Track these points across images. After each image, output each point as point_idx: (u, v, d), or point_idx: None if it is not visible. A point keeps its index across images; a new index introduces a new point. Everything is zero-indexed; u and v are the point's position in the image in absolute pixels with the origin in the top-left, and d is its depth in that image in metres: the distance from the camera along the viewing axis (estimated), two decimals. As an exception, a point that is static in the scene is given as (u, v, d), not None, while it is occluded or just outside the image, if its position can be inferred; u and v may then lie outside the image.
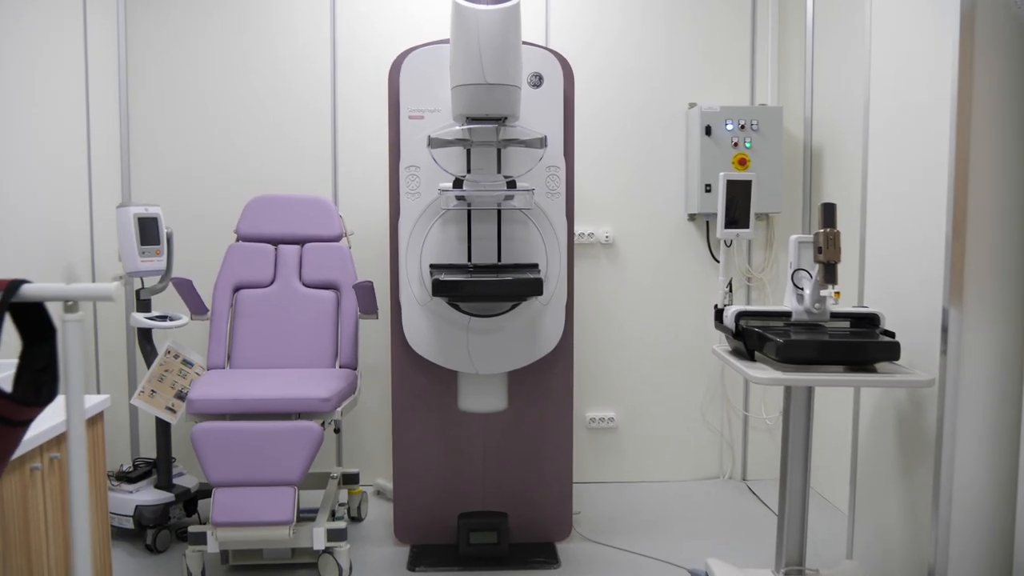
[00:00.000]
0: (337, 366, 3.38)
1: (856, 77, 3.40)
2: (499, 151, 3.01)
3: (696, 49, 4.03)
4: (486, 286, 2.73)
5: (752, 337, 2.47)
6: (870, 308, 2.62)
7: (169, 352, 3.45)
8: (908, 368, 2.43)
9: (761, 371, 2.33)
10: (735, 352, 2.62)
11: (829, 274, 2.39)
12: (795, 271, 2.55)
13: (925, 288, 2.50)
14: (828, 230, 2.39)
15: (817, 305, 2.47)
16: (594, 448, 4.16)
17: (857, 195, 2.95)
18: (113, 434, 3.84)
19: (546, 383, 3.31)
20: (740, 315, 2.55)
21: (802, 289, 2.53)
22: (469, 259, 3.04)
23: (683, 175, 4.06)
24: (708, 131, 3.86)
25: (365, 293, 3.15)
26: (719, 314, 2.69)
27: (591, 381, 4.12)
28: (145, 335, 3.49)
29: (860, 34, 3.20)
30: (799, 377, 2.27)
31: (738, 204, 2.68)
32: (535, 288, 2.68)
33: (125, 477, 3.42)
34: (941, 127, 2.40)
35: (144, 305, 3.48)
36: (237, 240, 3.54)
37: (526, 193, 2.88)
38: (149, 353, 3.48)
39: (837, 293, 2.42)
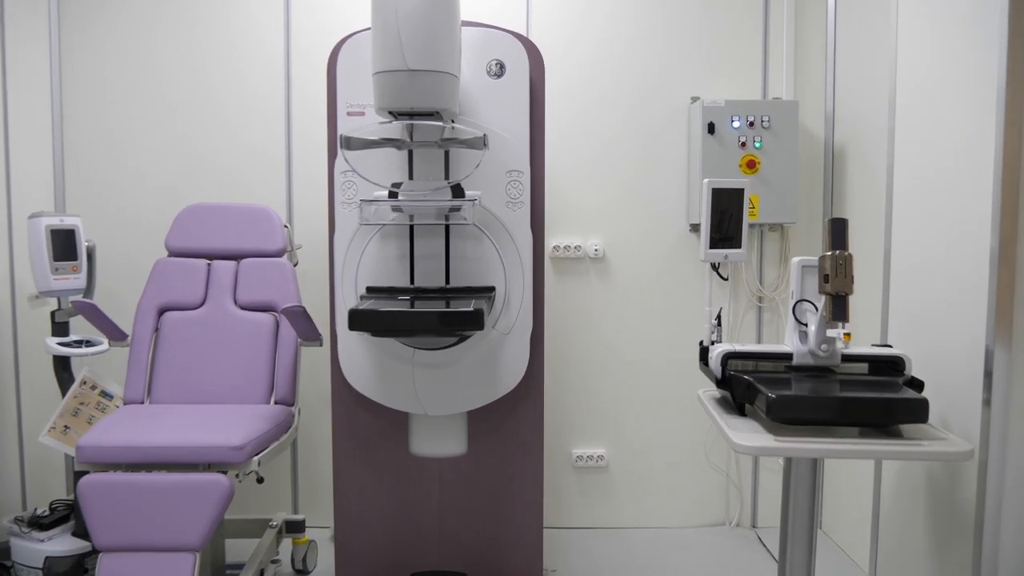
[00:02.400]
0: (272, 401, 2.93)
1: (887, 62, 2.88)
2: (447, 154, 2.53)
3: (700, 35, 3.52)
4: (411, 319, 2.24)
5: (741, 386, 1.96)
6: (894, 348, 2.10)
7: (85, 382, 3.03)
8: (940, 430, 1.91)
9: (747, 434, 1.83)
10: (723, 402, 2.12)
11: (838, 309, 1.88)
12: (797, 303, 2.04)
13: (964, 321, 2.00)
14: (837, 253, 1.88)
15: (824, 347, 1.96)
16: (581, 490, 3.67)
17: (885, 204, 2.44)
18: (46, 473, 3.43)
19: (511, 423, 2.83)
20: (728, 357, 2.05)
21: (806, 325, 2.02)
22: (412, 281, 2.57)
23: (684, 180, 3.55)
24: (711, 129, 3.35)
25: (296, 319, 2.70)
26: (704, 353, 2.19)
27: (578, 414, 3.63)
28: (62, 363, 3.08)
29: (889, 12, 2.67)
30: (794, 445, 1.76)
31: (730, 218, 2.18)
32: (472, 321, 2.18)
33: (37, 523, 3.00)
34: (985, 121, 1.89)
35: (61, 328, 3.06)
36: (169, 256, 3.11)
37: (469, 203, 2.37)
38: (66, 382, 3.07)
39: (847, 335, 1.91)
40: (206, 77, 3.49)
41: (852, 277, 1.88)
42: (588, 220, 3.57)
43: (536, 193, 2.72)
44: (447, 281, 2.56)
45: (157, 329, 3.00)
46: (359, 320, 2.18)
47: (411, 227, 2.53)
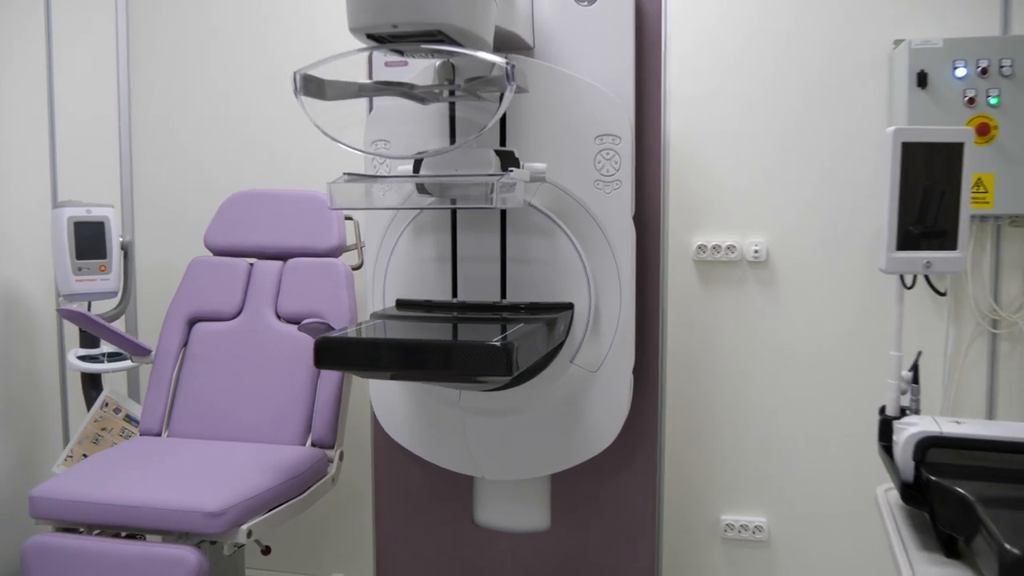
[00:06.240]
0: (309, 442, 2.29)
1: None
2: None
3: (909, -46, 2.53)
4: (396, 358, 1.46)
5: (952, 506, 1.06)
6: None
7: (108, 405, 2.55)
8: None
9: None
10: (919, 519, 1.22)
11: None
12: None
13: None
14: None
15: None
16: (733, 568, 2.77)
17: None
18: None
19: (611, 492, 2.02)
20: (926, 444, 1.15)
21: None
22: (454, 293, 1.82)
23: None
24: (922, 80, 2.35)
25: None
26: (885, 428, 1.29)
27: (730, 470, 2.74)
28: (90, 379, 2.62)
29: None
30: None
31: (939, 198, 1.26)
32: (489, 363, 1.36)
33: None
34: None
35: (88, 339, 2.60)
36: (213, 255, 2.57)
37: (515, 180, 1.53)
38: (95, 402, 2.60)
39: None
40: (270, 54, 2.94)
41: None
42: (744, 210, 2.66)
43: (647, 169, 1.91)
44: (503, 294, 1.79)
45: (186, 343, 2.46)
46: (327, 354, 1.46)
47: (453, 218, 1.79)
